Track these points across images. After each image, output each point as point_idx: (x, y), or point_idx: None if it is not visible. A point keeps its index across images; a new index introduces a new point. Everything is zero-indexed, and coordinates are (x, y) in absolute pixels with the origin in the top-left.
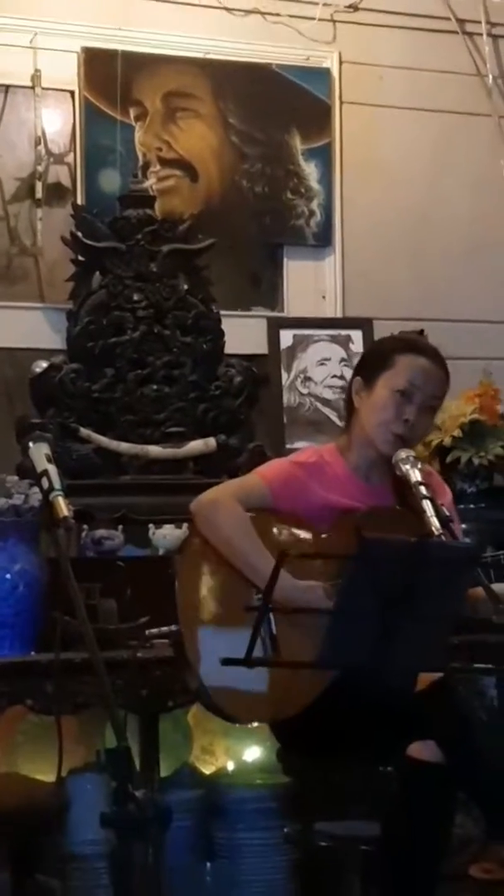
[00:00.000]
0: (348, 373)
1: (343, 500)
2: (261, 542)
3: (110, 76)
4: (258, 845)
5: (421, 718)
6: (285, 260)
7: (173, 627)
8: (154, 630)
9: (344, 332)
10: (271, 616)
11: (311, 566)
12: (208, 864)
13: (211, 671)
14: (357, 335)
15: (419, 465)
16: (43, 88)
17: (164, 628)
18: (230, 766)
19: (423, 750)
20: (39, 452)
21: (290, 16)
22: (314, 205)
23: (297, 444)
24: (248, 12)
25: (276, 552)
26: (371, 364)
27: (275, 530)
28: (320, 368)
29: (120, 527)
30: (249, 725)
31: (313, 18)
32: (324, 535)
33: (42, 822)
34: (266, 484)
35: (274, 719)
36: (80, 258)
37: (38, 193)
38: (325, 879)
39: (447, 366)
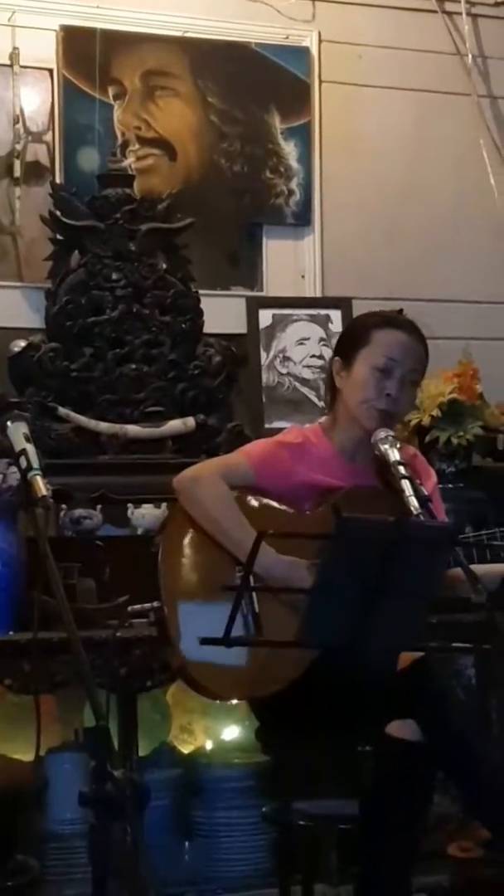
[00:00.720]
0: (327, 352)
1: (327, 480)
2: (244, 518)
3: (89, 54)
4: (236, 824)
5: (400, 697)
6: (264, 239)
7: (155, 604)
8: (136, 606)
9: (323, 312)
10: (254, 593)
11: (292, 544)
12: (187, 843)
13: (193, 648)
14: (336, 315)
15: (398, 445)
16: (21, 66)
17: (147, 605)
18: (209, 745)
19: (401, 728)
20: (17, 432)
21: None
22: (293, 184)
23: (276, 424)
24: None
25: (270, 526)
26: (348, 343)
27: (257, 508)
28: (299, 348)
29: (98, 506)
30: (230, 702)
31: None
32: (306, 514)
33: (20, 801)
34: (250, 462)
35: (255, 696)
36: (59, 237)
37: (17, 172)
38: (303, 858)
39: (425, 339)
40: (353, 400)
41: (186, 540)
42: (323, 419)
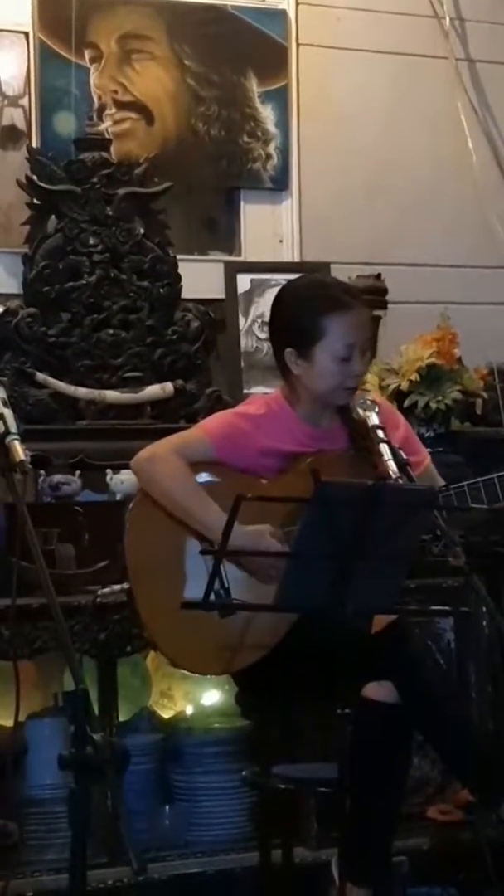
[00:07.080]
0: None
1: (292, 447)
2: (204, 493)
3: (65, 18)
4: (216, 788)
5: (376, 659)
6: (242, 204)
7: (125, 585)
8: (106, 589)
9: None
10: (222, 567)
11: (259, 512)
12: (167, 807)
13: (165, 627)
14: None
15: (376, 409)
16: None
17: (116, 586)
18: (189, 709)
19: (378, 690)
20: None
21: None
22: (271, 148)
23: (255, 390)
24: None
25: (230, 499)
26: (300, 337)
27: (224, 481)
28: None
29: (77, 472)
30: (209, 676)
31: None
32: (275, 482)
33: (0, 766)
34: (208, 437)
35: (232, 670)
36: (36, 202)
37: None
38: (282, 822)
39: (362, 297)
40: (321, 387)
41: (150, 519)
42: (283, 387)
